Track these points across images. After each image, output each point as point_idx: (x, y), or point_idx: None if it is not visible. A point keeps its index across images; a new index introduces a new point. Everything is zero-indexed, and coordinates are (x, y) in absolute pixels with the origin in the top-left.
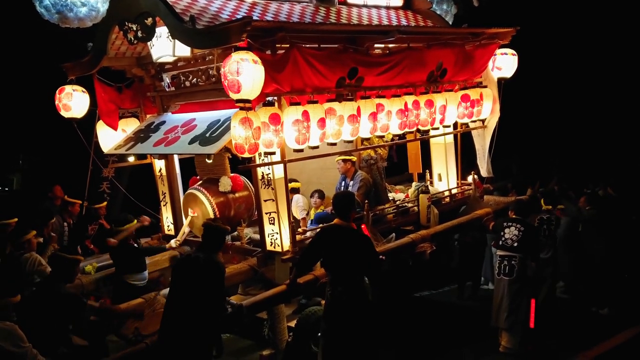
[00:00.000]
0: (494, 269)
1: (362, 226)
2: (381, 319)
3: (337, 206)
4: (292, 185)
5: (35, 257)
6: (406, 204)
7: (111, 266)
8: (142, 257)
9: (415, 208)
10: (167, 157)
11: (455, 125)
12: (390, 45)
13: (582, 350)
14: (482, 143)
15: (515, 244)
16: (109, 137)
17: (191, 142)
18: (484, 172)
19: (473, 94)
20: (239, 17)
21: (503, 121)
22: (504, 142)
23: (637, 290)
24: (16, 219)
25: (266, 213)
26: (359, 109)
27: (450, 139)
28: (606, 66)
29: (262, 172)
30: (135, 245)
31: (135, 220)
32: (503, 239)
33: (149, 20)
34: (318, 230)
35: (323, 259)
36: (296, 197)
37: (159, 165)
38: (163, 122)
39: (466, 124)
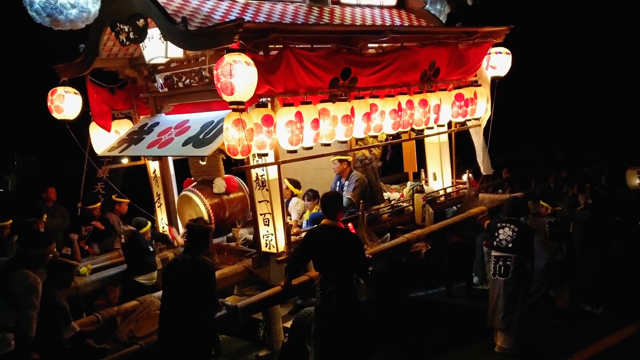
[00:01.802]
0: (489, 269)
1: (349, 225)
2: (374, 319)
3: (325, 206)
4: (296, 191)
5: None
6: (401, 203)
7: (106, 268)
8: (151, 258)
9: (411, 207)
10: (161, 159)
11: (449, 124)
12: (384, 45)
13: (577, 349)
14: (479, 141)
15: (510, 245)
16: (103, 139)
17: (185, 143)
18: (484, 170)
19: (467, 92)
20: (231, 18)
21: (500, 119)
22: (501, 141)
23: (631, 289)
24: (10, 221)
25: (261, 214)
26: (352, 110)
27: (444, 138)
28: (600, 64)
29: (257, 174)
30: (151, 248)
31: (150, 223)
32: (497, 239)
33: (141, 22)
34: (306, 232)
35: (313, 260)
36: (296, 200)
37: (153, 166)
38: (156, 124)
39: (460, 123)
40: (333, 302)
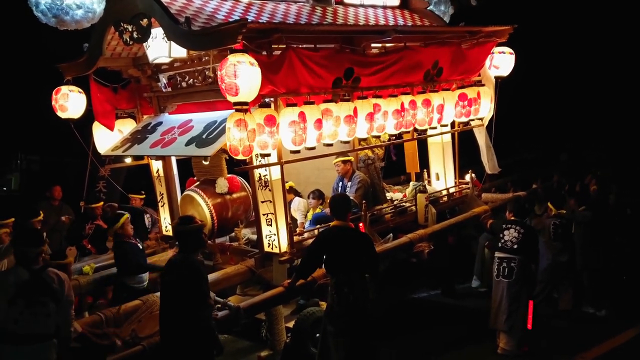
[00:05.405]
0: (492, 270)
1: (360, 224)
2: (380, 319)
3: (335, 208)
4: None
5: None
6: (404, 203)
7: (109, 267)
8: (140, 259)
9: (413, 208)
10: (165, 158)
11: (452, 124)
12: (387, 45)
13: (579, 351)
14: (483, 141)
15: (515, 246)
16: (106, 138)
17: (188, 143)
18: (489, 169)
19: (470, 92)
20: (234, 18)
21: (504, 119)
22: (506, 140)
23: (634, 292)
24: (13, 219)
25: (263, 214)
26: (355, 110)
27: (447, 138)
28: (606, 64)
29: (259, 174)
30: (139, 245)
31: (127, 215)
32: (502, 240)
33: (145, 21)
34: (318, 233)
35: (326, 261)
36: (298, 201)
37: (157, 166)
38: (160, 123)
39: (463, 123)
40: (349, 302)
